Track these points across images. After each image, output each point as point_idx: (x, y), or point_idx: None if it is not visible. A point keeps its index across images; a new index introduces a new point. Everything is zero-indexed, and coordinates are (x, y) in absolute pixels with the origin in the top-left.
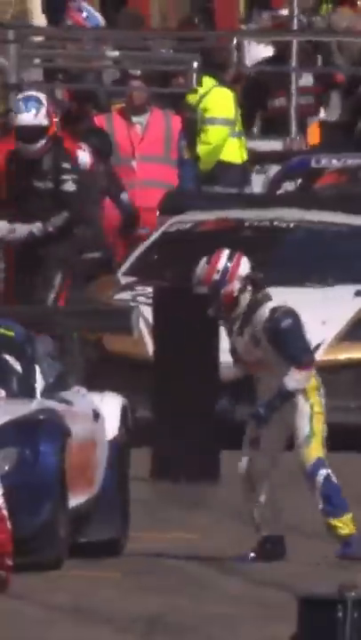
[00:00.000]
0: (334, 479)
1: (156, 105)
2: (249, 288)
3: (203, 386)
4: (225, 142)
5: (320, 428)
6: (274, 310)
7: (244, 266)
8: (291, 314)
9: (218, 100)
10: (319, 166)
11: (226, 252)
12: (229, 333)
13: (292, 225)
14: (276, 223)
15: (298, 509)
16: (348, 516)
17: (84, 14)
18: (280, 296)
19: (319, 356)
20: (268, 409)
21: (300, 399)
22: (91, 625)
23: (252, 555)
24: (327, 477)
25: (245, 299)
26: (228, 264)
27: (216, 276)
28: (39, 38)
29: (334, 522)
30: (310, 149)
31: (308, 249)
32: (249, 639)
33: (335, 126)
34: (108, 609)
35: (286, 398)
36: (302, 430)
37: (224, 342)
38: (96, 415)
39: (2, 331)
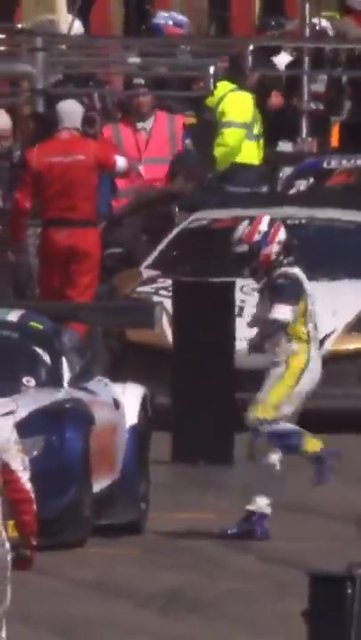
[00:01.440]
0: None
1: (174, 109)
2: (283, 254)
3: (219, 374)
4: (241, 144)
5: (279, 395)
6: (281, 273)
7: (282, 232)
8: (289, 277)
9: (234, 104)
10: (330, 167)
11: (267, 217)
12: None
13: (303, 222)
14: (288, 221)
15: (310, 489)
16: None
17: (171, 22)
18: None
19: (329, 345)
20: (257, 337)
21: (282, 365)
22: (112, 600)
23: (233, 530)
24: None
25: (278, 262)
26: (269, 228)
27: (257, 237)
28: (63, 46)
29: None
30: (322, 151)
31: (318, 245)
32: (262, 614)
33: (355, 128)
34: (128, 585)
35: (273, 330)
36: (262, 389)
37: (240, 331)
38: (117, 404)
39: (32, 324)
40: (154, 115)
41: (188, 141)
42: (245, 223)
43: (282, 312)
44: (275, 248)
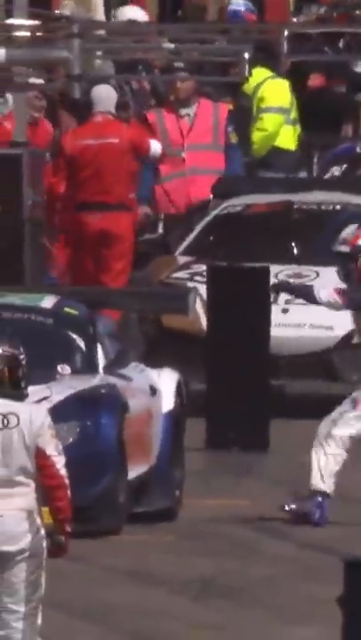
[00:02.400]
0: None
1: (212, 94)
2: None
3: (254, 360)
4: (280, 129)
5: None
6: None
7: None
8: None
9: (273, 90)
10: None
11: None
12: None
13: (338, 207)
14: (323, 206)
15: (344, 475)
16: None
17: (242, 8)
18: (329, 275)
19: None
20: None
21: None
22: (146, 587)
23: (292, 506)
24: None
25: None
26: None
27: (360, 242)
28: (101, 32)
29: None
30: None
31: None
32: (294, 600)
33: None
34: (162, 572)
35: (308, 297)
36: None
37: (274, 317)
38: (153, 390)
39: (67, 310)
40: (198, 101)
41: (230, 129)
42: (355, 226)
43: (331, 300)
44: None
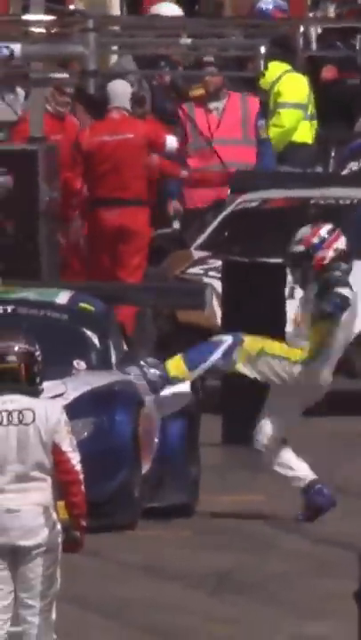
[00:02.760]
0: None
1: (232, 88)
2: (338, 262)
3: None
4: (298, 124)
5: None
6: (334, 293)
7: (342, 241)
8: (342, 298)
9: (290, 85)
10: None
11: (329, 225)
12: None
13: (355, 202)
14: (341, 201)
15: (356, 471)
16: None
17: (271, 6)
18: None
19: None
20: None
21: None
22: (162, 581)
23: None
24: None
25: (332, 267)
26: (328, 235)
27: (315, 240)
28: (116, 27)
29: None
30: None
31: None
32: (310, 595)
33: None
34: (177, 567)
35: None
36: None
37: (291, 313)
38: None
39: (83, 305)
40: (227, 95)
41: (260, 123)
42: (308, 226)
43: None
44: (330, 254)
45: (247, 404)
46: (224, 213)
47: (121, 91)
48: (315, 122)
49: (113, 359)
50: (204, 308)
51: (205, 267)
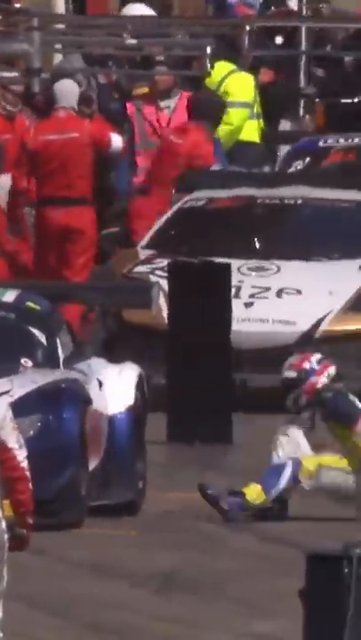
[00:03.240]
0: None
1: (180, 88)
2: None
3: (216, 354)
4: (244, 123)
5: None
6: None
7: (333, 369)
8: (333, 390)
9: (237, 84)
10: (326, 145)
11: (318, 355)
12: (306, 423)
13: (300, 202)
14: (286, 201)
15: None
16: None
17: (241, 2)
18: (291, 269)
19: (326, 325)
20: None
21: None
22: (109, 580)
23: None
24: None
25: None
26: (322, 360)
27: (307, 366)
28: (61, 25)
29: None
30: (318, 130)
31: (315, 225)
32: (259, 594)
33: (340, 109)
34: (125, 565)
35: None
36: None
37: (236, 312)
38: (100, 384)
39: (29, 304)
40: (179, 94)
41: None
42: (297, 354)
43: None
44: (322, 379)
45: (192, 403)
46: (170, 212)
47: (68, 90)
48: (261, 121)
49: (60, 357)
50: (150, 307)
51: (152, 266)
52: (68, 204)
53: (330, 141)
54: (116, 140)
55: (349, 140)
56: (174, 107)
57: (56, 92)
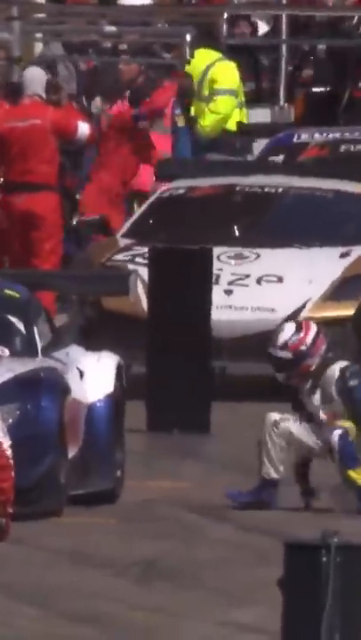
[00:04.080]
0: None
1: (156, 76)
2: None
3: (195, 342)
4: (232, 112)
5: None
6: (344, 370)
7: (323, 346)
8: (358, 374)
9: (223, 72)
10: (302, 141)
11: (315, 329)
12: (300, 394)
13: (280, 190)
14: (266, 189)
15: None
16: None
17: None
18: (271, 257)
19: (306, 313)
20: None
21: None
22: (88, 569)
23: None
24: (342, 435)
25: (324, 364)
26: (316, 338)
27: (304, 348)
28: (41, 15)
29: (351, 473)
30: (295, 123)
31: (295, 213)
32: (238, 583)
33: (321, 98)
34: (104, 554)
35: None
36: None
37: (216, 299)
38: (81, 373)
39: (7, 292)
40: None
41: (178, 112)
42: (293, 329)
43: None
44: (316, 360)
45: (171, 391)
46: (150, 200)
47: (35, 78)
48: (244, 110)
49: (38, 346)
50: (128, 294)
51: (131, 254)
52: (30, 190)
53: (304, 137)
54: (83, 128)
55: (324, 135)
56: None
57: (24, 80)
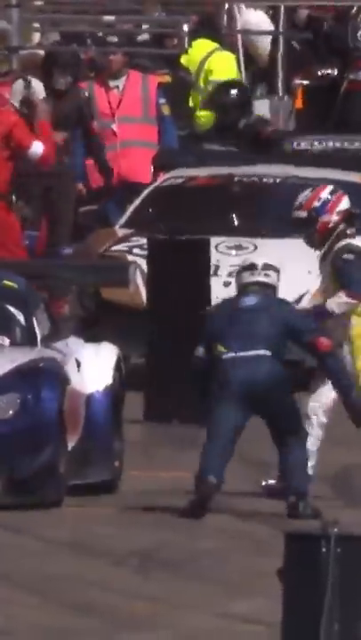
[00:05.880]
0: None
1: (149, 66)
2: (343, 223)
3: (194, 333)
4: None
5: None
6: (346, 245)
7: (345, 202)
8: (353, 250)
9: (221, 63)
10: (300, 148)
11: (330, 186)
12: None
13: (279, 180)
14: (265, 179)
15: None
16: None
17: None
18: (268, 247)
19: (304, 304)
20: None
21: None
22: (87, 559)
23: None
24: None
25: (336, 230)
26: (330, 197)
27: (317, 204)
28: (39, 3)
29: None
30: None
31: (294, 203)
32: (237, 573)
33: (319, 90)
34: (103, 544)
35: (321, 316)
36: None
37: (215, 290)
38: (79, 364)
39: (6, 283)
40: (127, 73)
41: (162, 101)
42: (308, 190)
43: (341, 304)
44: (334, 217)
45: (169, 382)
46: (148, 190)
47: (16, 90)
48: None
49: (38, 336)
50: (127, 285)
51: (130, 244)
52: None
53: (303, 144)
54: (36, 148)
55: (323, 144)
56: (123, 86)
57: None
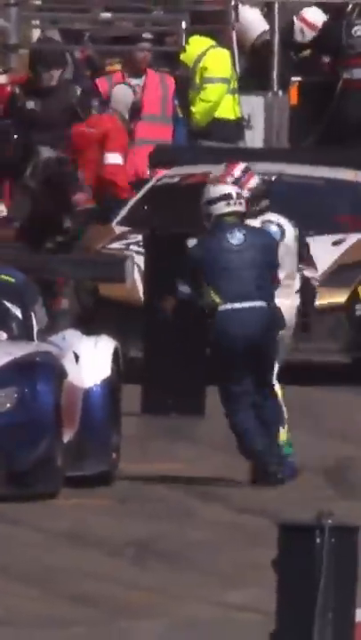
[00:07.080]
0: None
1: (152, 63)
2: (255, 202)
3: (190, 326)
4: (222, 100)
5: None
6: (262, 222)
7: (255, 180)
8: (275, 223)
9: (215, 60)
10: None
11: (242, 165)
12: None
13: (274, 178)
14: (260, 177)
15: None
16: None
17: None
18: None
19: None
20: None
21: None
22: (84, 550)
23: None
24: None
25: (253, 212)
26: (242, 174)
27: (229, 179)
28: (38, 2)
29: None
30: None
31: (289, 200)
32: (231, 564)
33: (314, 87)
34: (100, 535)
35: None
36: None
37: None
38: (77, 357)
39: (4, 277)
40: (146, 73)
41: (177, 102)
42: (222, 167)
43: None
44: (245, 193)
45: (168, 375)
46: (145, 188)
47: None
48: (237, 96)
49: (35, 330)
50: (124, 280)
51: (126, 241)
52: None
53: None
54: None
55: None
56: (143, 85)
57: None
